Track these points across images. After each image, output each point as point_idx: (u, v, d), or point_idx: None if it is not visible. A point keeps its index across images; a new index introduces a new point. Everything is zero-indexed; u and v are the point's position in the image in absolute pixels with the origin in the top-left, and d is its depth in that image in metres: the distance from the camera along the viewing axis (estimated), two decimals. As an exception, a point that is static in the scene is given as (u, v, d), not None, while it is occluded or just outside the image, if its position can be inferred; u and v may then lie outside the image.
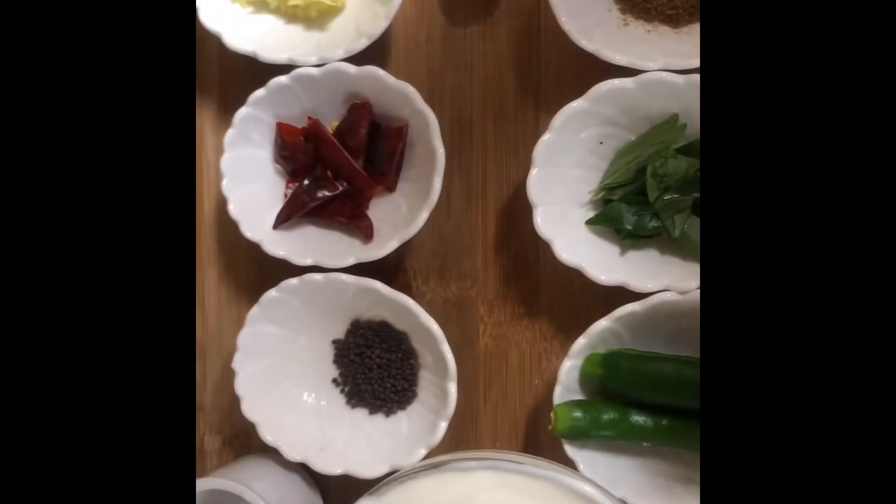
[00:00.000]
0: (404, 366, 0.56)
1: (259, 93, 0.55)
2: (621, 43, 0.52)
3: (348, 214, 0.56)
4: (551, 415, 0.51)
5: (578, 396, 0.53)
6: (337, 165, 0.56)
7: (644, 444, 0.52)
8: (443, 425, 0.53)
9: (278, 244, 0.56)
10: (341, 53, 0.54)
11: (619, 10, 0.54)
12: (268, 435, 0.56)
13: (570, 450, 0.51)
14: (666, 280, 0.50)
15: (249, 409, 0.56)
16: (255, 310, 0.55)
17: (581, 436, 0.51)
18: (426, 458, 0.53)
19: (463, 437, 0.58)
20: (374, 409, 0.57)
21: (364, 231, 0.56)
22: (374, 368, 0.57)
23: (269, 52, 0.55)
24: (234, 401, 0.56)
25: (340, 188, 0.56)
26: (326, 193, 0.56)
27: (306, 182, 0.57)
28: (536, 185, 0.51)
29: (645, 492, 0.51)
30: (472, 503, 0.47)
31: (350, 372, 0.58)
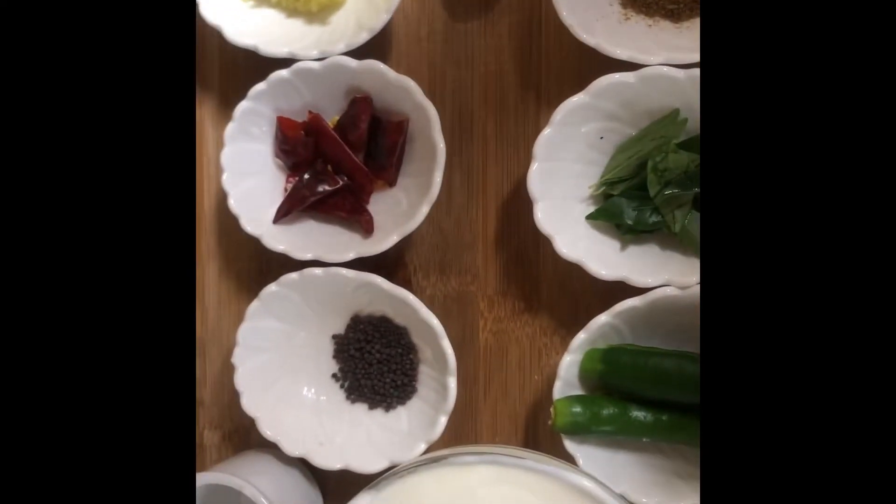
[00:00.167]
0: (404, 361, 0.56)
1: (260, 87, 0.55)
2: (622, 37, 0.52)
3: (348, 209, 0.56)
4: (551, 410, 0.51)
5: (578, 392, 0.53)
6: (337, 160, 0.56)
7: (644, 440, 0.52)
8: (442, 420, 0.53)
9: (278, 239, 0.56)
10: (342, 47, 0.54)
11: (620, 4, 0.54)
12: (267, 430, 0.56)
13: (569, 445, 0.51)
14: (666, 275, 0.50)
15: (249, 404, 0.56)
16: (254, 304, 0.55)
17: (581, 431, 0.51)
18: (426, 452, 0.53)
19: (463, 433, 0.58)
20: (373, 405, 0.57)
21: (364, 226, 0.56)
22: (373, 363, 0.57)
23: (270, 45, 0.55)
24: (234, 396, 0.56)
25: (341, 182, 0.56)
26: (327, 188, 0.56)
27: (307, 176, 0.57)
28: (537, 179, 0.51)
29: (645, 487, 0.51)
30: (472, 497, 0.47)
31: (350, 367, 0.58)
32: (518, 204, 0.57)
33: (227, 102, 0.60)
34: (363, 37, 0.54)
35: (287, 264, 0.55)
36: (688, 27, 0.53)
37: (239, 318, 0.57)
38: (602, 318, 0.51)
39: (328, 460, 0.55)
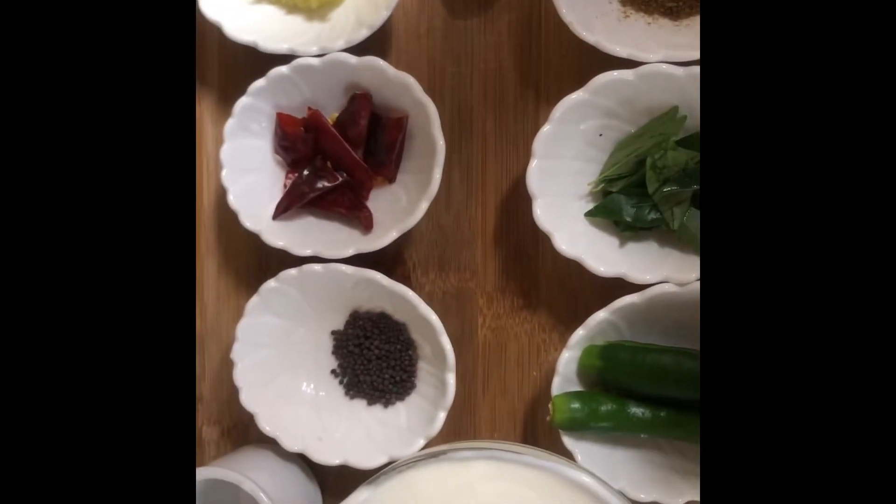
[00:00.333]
0: (403, 357, 0.56)
1: (259, 83, 0.55)
2: (621, 35, 0.52)
3: (348, 205, 0.56)
4: (549, 406, 0.51)
5: (577, 388, 0.53)
6: (337, 156, 0.56)
7: (642, 436, 0.53)
8: (441, 416, 0.53)
9: (278, 235, 0.56)
10: (342, 44, 0.54)
11: (619, 2, 0.54)
12: (266, 425, 0.56)
13: (568, 441, 0.52)
14: (665, 272, 0.51)
15: (248, 400, 0.56)
16: (254, 300, 0.55)
17: (579, 427, 0.51)
18: (424, 448, 0.53)
19: (461, 429, 0.58)
20: (372, 400, 0.57)
21: (364, 222, 0.56)
22: (372, 360, 0.57)
23: (270, 42, 0.55)
24: (233, 391, 0.57)
25: (340, 179, 0.56)
26: (326, 184, 0.56)
27: (306, 172, 0.57)
28: (536, 176, 0.51)
29: (642, 483, 0.51)
30: (471, 493, 0.47)
31: (349, 363, 0.58)
32: (517, 201, 0.57)
33: (227, 99, 0.60)
34: (363, 33, 0.54)
35: (286, 260, 0.55)
36: (687, 25, 0.53)
37: (238, 313, 0.57)
38: (600, 315, 0.51)
39: (327, 456, 0.55)
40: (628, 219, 0.52)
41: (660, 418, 0.51)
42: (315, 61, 0.54)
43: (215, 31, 0.57)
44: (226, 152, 0.56)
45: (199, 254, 0.61)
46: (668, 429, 0.51)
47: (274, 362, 0.57)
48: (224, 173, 0.55)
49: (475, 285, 0.58)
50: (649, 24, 0.53)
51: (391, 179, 0.57)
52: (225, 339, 0.61)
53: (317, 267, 0.54)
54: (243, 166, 0.56)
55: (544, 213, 0.52)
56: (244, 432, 0.61)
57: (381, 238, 0.54)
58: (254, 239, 0.56)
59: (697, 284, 0.49)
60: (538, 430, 0.58)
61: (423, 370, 0.56)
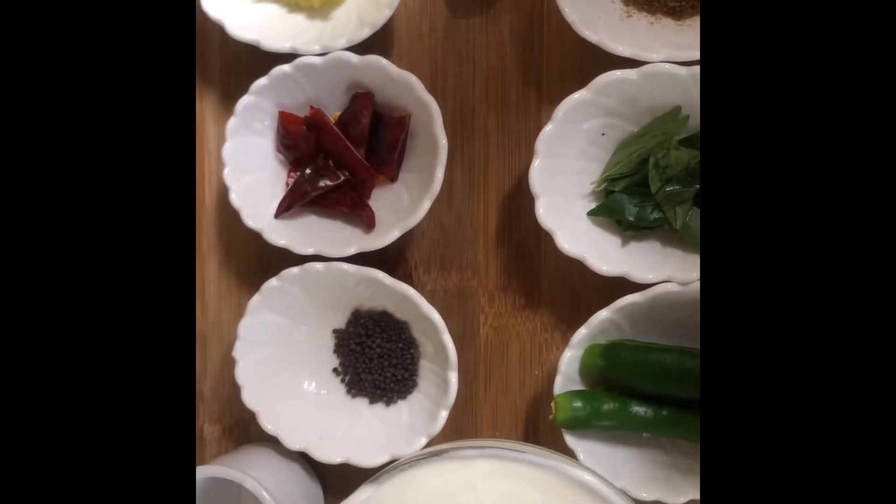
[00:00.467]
0: (405, 355, 0.57)
1: (261, 81, 0.55)
2: (624, 34, 0.52)
3: (350, 204, 0.56)
4: (552, 405, 0.51)
5: (579, 387, 0.53)
6: (339, 155, 0.56)
7: (644, 435, 0.53)
8: (443, 414, 0.53)
9: (280, 233, 0.56)
10: (344, 43, 0.54)
11: (622, 1, 0.54)
12: (268, 424, 0.56)
13: (570, 440, 0.52)
14: (667, 271, 0.51)
15: (250, 398, 0.56)
16: (255, 299, 0.55)
17: (581, 426, 0.51)
18: (427, 446, 0.54)
19: (463, 428, 0.58)
20: (374, 399, 0.57)
21: (366, 221, 0.56)
22: (374, 358, 0.57)
23: (272, 40, 0.55)
24: (234, 390, 0.57)
25: (342, 178, 0.56)
26: (328, 183, 0.56)
27: (308, 171, 0.57)
28: (539, 175, 0.51)
29: (644, 482, 0.51)
30: (473, 491, 0.47)
31: (350, 361, 0.58)
32: (519, 200, 0.57)
33: (229, 97, 0.60)
34: (365, 32, 0.54)
35: (288, 259, 0.55)
36: (689, 24, 0.53)
37: (239, 312, 0.57)
38: (603, 314, 0.51)
39: (329, 454, 0.55)
40: (631, 218, 0.52)
41: (662, 417, 0.51)
42: (317, 60, 0.54)
43: (217, 29, 0.57)
44: (228, 151, 0.56)
45: (201, 252, 0.61)
46: (670, 428, 0.51)
47: (275, 361, 0.57)
48: (226, 172, 0.55)
49: (477, 284, 0.58)
50: (652, 23, 0.53)
51: (393, 178, 0.57)
52: (226, 338, 0.61)
53: (319, 266, 0.54)
54: (245, 165, 0.56)
55: (547, 213, 0.52)
56: (245, 431, 0.61)
57: (383, 237, 0.54)
58: (255, 237, 0.56)
59: (700, 284, 0.49)
60: (540, 428, 0.58)
61: (425, 368, 0.56)
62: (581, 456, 0.51)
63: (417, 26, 0.58)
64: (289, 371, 0.58)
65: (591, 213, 0.53)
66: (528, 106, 0.57)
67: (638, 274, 0.51)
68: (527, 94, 0.57)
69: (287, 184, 0.58)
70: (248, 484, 0.51)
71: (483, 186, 0.58)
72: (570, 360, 0.52)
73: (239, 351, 0.56)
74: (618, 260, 0.52)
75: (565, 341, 0.53)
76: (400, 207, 0.55)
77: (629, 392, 0.52)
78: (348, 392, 0.58)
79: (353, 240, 0.55)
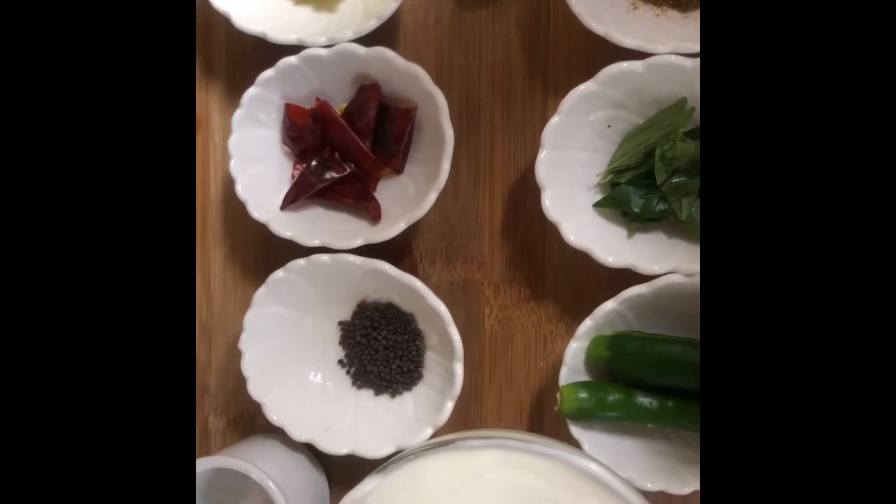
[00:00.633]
0: (410, 347, 0.57)
1: (268, 73, 0.55)
2: (630, 26, 0.52)
3: (356, 196, 0.57)
4: (557, 395, 0.52)
5: (584, 378, 0.53)
6: (345, 147, 0.56)
7: (649, 426, 0.53)
8: (449, 405, 0.53)
9: (286, 225, 0.56)
10: (350, 34, 0.54)
11: (628, -6, 0.54)
12: (274, 415, 0.56)
13: (575, 430, 0.52)
14: (672, 262, 0.51)
15: (255, 390, 0.56)
16: (261, 290, 0.55)
17: (587, 416, 0.51)
18: (432, 437, 0.54)
19: (467, 419, 0.59)
20: (379, 391, 0.57)
21: (371, 213, 0.56)
22: (380, 350, 0.57)
23: (278, 32, 0.55)
24: (239, 382, 0.57)
25: (348, 170, 0.57)
26: (334, 175, 0.56)
27: (314, 163, 0.57)
28: (544, 167, 0.51)
29: (649, 472, 0.51)
30: (479, 481, 0.47)
31: (356, 353, 0.58)
32: (524, 192, 0.57)
33: (235, 90, 0.60)
34: (371, 24, 0.54)
35: (293, 251, 0.56)
36: (695, 17, 0.53)
37: (245, 304, 0.57)
38: (608, 305, 0.51)
39: (334, 445, 0.55)
40: (636, 210, 0.52)
41: (667, 408, 0.51)
42: (323, 52, 0.54)
43: (223, 21, 0.57)
44: (234, 142, 0.56)
45: (206, 244, 0.61)
46: (675, 419, 0.52)
47: (281, 352, 0.58)
48: (232, 164, 0.55)
49: (482, 276, 0.59)
50: (658, 15, 0.53)
51: (399, 170, 0.57)
52: (231, 331, 0.61)
53: (325, 257, 0.54)
54: (251, 156, 0.56)
55: (552, 204, 0.52)
56: (251, 423, 0.61)
57: (389, 229, 0.54)
58: (261, 229, 0.56)
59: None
60: (544, 420, 0.58)
61: (431, 360, 0.57)
62: (586, 447, 0.51)
63: (424, 18, 0.58)
64: (294, 363, 0.58)
65: (597, 205, 0.53)
66: (534, 98, 0.57)
67: (643, 265, 0.51)
68: (533, 87, 0.57)
69: (293, 176, 0.58)
70: (255, 475, 0.51)
71: (488, 179, 0.58)
72: (575, 352, 0.52)
73: (245, 343, 0.56)
74: (623, 251, 0.52)
75: (570, 333, 0.53)
76: (406, 199, 0.55)
77: (634, 383, 0.52)
78: (354, 384, 0.58)
79: (358, 232, 0.56)
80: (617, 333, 0.52)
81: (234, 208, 0.59)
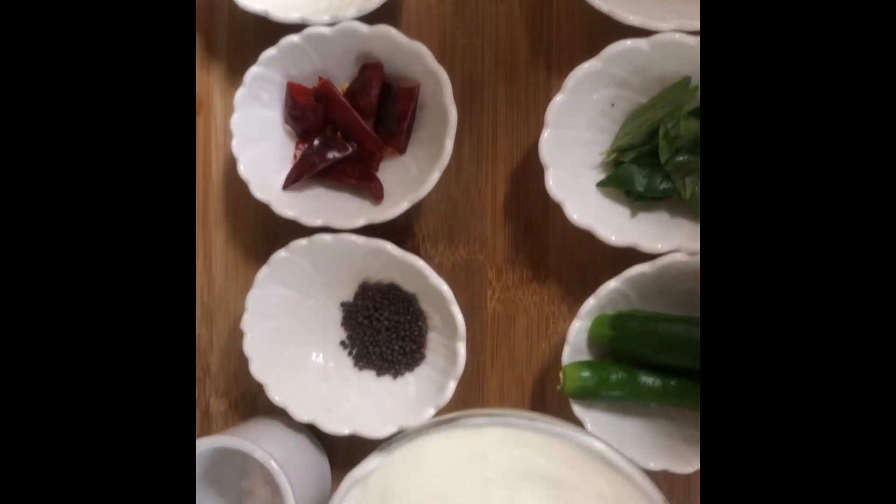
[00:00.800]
0: (413, 328, 0.57)
1: (270, 52, 0.55)
2: (634, 4, 0.51)
3: (358, 176, 0.56)
4: (560, 374, 0.51)
5: (586, 357, 0.53)
6: (347, 126, 0.56)
7: (651, 405, 0.53)
8: (451, 385, 0.53)
9: (288, 205, 0.55)
10: (353, 12, 0.54)
11: (632, -29, 0.54)
12: (276, 395, 0.56)
13: (578, 410, 0.52)
14: (676, 241, 0.51)
15: (258, 370, 0.56)
16: (263, 270, 0.55)
17: (589, 396, 0.51)
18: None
19: (469, 401, 0.58)
20: (381, 371, 0.57)
21: (374, 192, 0.56)
22: (382, 331, 0.57)
23: (281, 11, 0.55)
24: (241, 364, 0.57)
25: (350, 149, 0.56)
26: (336, 154, 0.56)
27: (316, 143, 0.57)
28: (548, 146, 0.51)
29: (651, 452, 0.51)
30: (482, 459, 0.47)
31: (358, 335, 0.58)
32: (527, 172, 0.57)
33: (236, 70, 0.59)
34: (374, 2, 0.54)
35: (295, 232, 0.55)
36: (699, -5, 0.53)
37: (246, 286, 0.56)
38: (611, 284, 0.51)
39: (336, 426, 0.55)
40: (640, 188, 0.52)
41: (670, 387, 0.51)
42: (326, 30, 0.54)
43: (225, 1, 0.56)
44: (236, 122, 0.55)
45: (208, 226, 0.61)
46: (677, 398, 0.51)
47: (283, 333, 0.57)
48: (234, 143, 0.55)
49: (484, 257, 0.58)
50: (662, -7, 0.53)
51: (402, 150, 0.57)
52: (233, 312, 0.61)
53: (327, 237, 0.54)
54: (253, 136, 0.56)
55: (556, 183, 0.52)
56: (252, 405, 0.61)
57: (392, 209, 0.54)
58: (262, 211, 0.56)
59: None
60: (546, 401, 0.58)
61: (433, 340, 0.56)
62: (589, 426, 0.51)
63: (426, -3, 0.58)
64: (296, 344, 0.58)
65: (601, 185, 0.53)
66: (537, 78, 0.57)
67: (647, 244, 0.51)
68: (536, 66, 0.57)
69: (295, 155, 0.58)
70: (257, 454, 0.51)
71: (491, 159, 0.58)
72: (578, 331, 0.52)
73: (247, 323, 0.56)
74: (627, 230, 0.52)
75: (572, 314, 0.53)
76: (408, 179, 0.55)
77: (637, 363, 0.52)
78: (356, 365, 0.58)
79: (361, 212, 0.55)
80: (620, 313, 0.52)
81: (236, 189, 0.59)
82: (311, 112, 0.56)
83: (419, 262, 0.54)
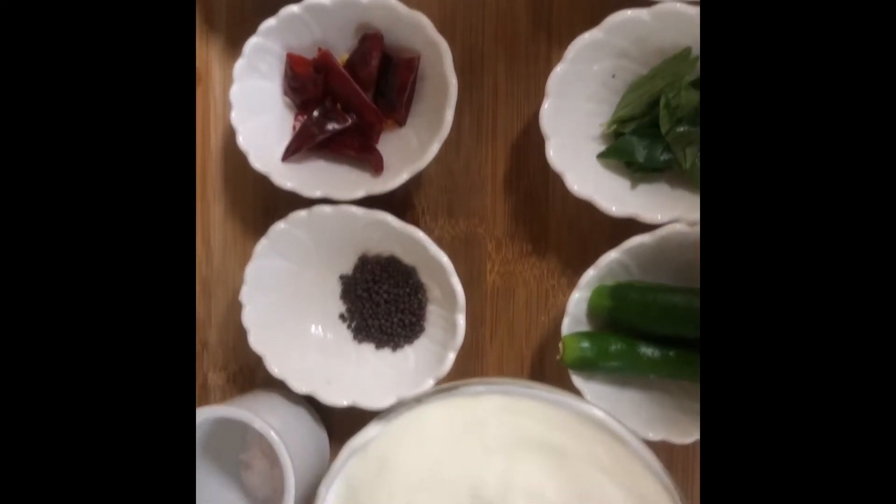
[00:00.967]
0: (412, 300, 0.56)
1: (270, 22, 0.54)
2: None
3: (358, 147, 0.56)
4: (559, 345, 0.51)
5: (586, 329, 0.53)
6: (347, 97, 0.56)
7: (651, 377, 0.53)
8: (451, 356, 0.53)
9: (287, 176, 0.55)
10: (353, -18, 0.54)
11: (633, -58, 0.54)
12: (275, 367, 0.55)
13: (577, 381, 0.52)
14: (676, 212, 0.51)
15: (256, 342, 0.56)
16: (262, 242, 0.55)
17: (589, 366, 0.51)
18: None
19: (468, 373, 0.59)
20: (380, 344, 0.57)
21: (374, 164, 0.56)
22: (381, 304, 0.57)
23: (280, -20, 0.55)
24: (239, 337, 0.56)
25: (350, 121, 0.56)
26: (336, 126, 0.56)
27: (316, 114, 0.56)
28: (549, 116, 0.51)
29: (650, 422, 0.52)
30: (481, 427, 0.47)
31: (357, 307, 0.58)
32: (528, 144, 0.57)
33: (235, 42, 0.59)
34: (374, -28, 0.54)
35: (293, 204, 0.55)
36: (701, -34, 0.53)
37: (244, 259, 0.56)
38: (611, 255, 0.51)
39: (335, 397, 0.55)
40: (640, 160, 0.52)
41: (669, 358, 0.51)
42: (326, 1, 0.54)
43: (224, -30, 0.56)
44: (235, 93, 0.55)
45: (206, 199, 0.61)
46: (677, 369, 0.52)
47: (282, 306, 0.57)
48: (233, 114, 0.55)
49: (484, 230, 0.58)
50: (664, -37, 0.53)
51: (402, 122, 0.57)
52: (231, 285, 0.61)
53: (327, 208, 0.54)
54: (252, 108, 0.56)
55: (557, 154, 0.51)
56: (250, 378, 0.61)
57: (392, 180, 0.54)
58: (262, 183, 0.55)
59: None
60: (546, 373, 0.58)
61: (433, 313, 0.56)
62: (588, 396, 0.51)
63: (426, -31, 0.58)
64: (295, 316, 0.58)
65: (601, 156, 0.53)
66: (537, 49, 0.57)
67: (647, 215, 0.51)
68: (537, 37, 0.57)
69: (294, 127, 0.58)
70: (257, 424, 0.51)
71: (491, 131, 0.58)
72: (577, 302, 0.52)
73: (245, 295, 0.56)
74: (627, 201, 0.52)
75: (572, 287, 0.52)
76: (408, 150, 0.55)
77: (637, 334, 0.52)
78: (355, 338, 0.58)
79: (360, 183, 0.55)
80: (619, 283, 0.52)
81: (235, 162, 0.59)
82: (310, 83, 0.56)
83: (419, 234, 0.53)
